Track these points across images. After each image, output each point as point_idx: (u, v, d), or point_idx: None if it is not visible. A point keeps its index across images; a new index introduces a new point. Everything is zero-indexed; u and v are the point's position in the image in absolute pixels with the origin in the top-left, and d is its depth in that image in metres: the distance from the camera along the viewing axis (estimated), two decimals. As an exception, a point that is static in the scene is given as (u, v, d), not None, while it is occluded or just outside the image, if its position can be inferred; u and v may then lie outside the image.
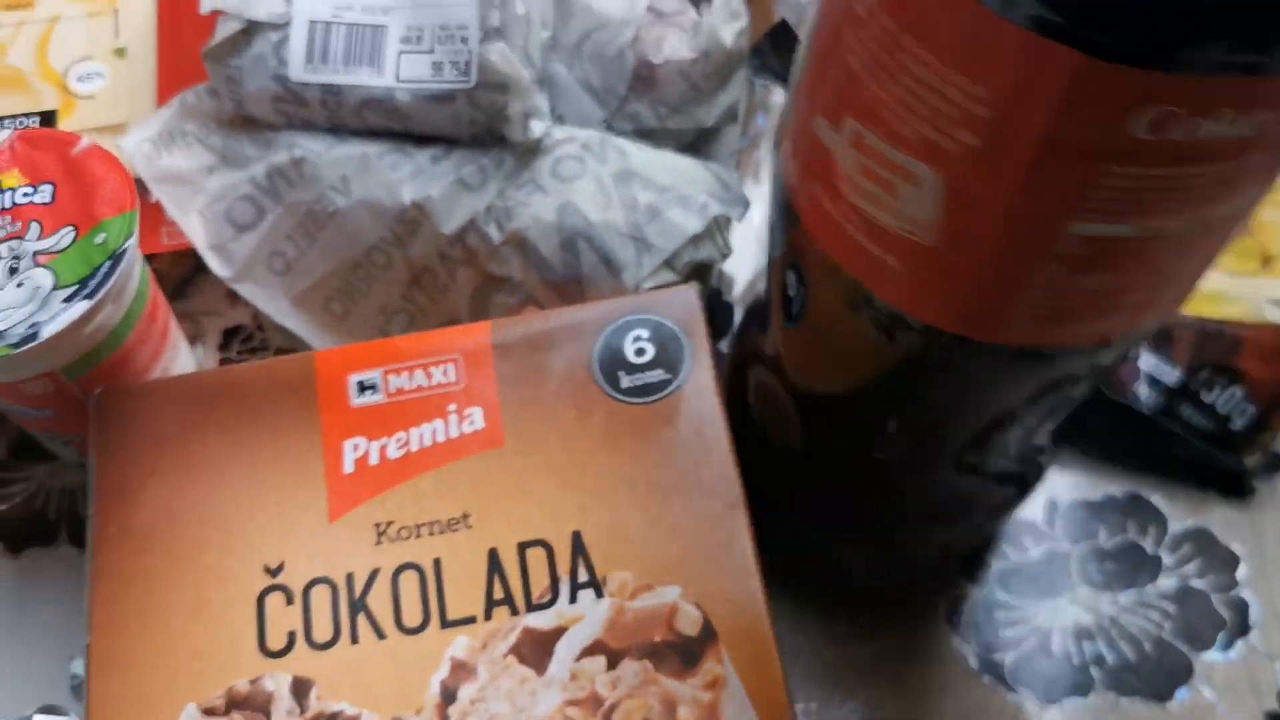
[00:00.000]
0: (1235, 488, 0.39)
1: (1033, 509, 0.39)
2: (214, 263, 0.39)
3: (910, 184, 0.22)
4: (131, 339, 0.33)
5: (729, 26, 0.40)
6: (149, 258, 0.41)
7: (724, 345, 0.43)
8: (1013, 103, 0.19)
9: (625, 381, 0.31)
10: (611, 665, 0.28)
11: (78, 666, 0.36)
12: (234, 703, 0.27)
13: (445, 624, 0.28)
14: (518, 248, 0.38)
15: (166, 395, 0.31)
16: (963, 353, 0.25)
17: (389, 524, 0.29)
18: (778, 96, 0.48)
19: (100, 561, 0.29)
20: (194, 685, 0.27)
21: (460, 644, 0.28)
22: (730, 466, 0.30)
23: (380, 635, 0.28)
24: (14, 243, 0.31)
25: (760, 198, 0.46)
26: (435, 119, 0.38)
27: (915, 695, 0.36)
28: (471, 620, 0.28)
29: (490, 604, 0.28)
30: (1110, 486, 0.40)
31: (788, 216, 0.27)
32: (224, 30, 0.38)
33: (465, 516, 0.29)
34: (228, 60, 0.38)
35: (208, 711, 0.27)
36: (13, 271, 0.31)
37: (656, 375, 0.31)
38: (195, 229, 0.39)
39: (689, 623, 0.28)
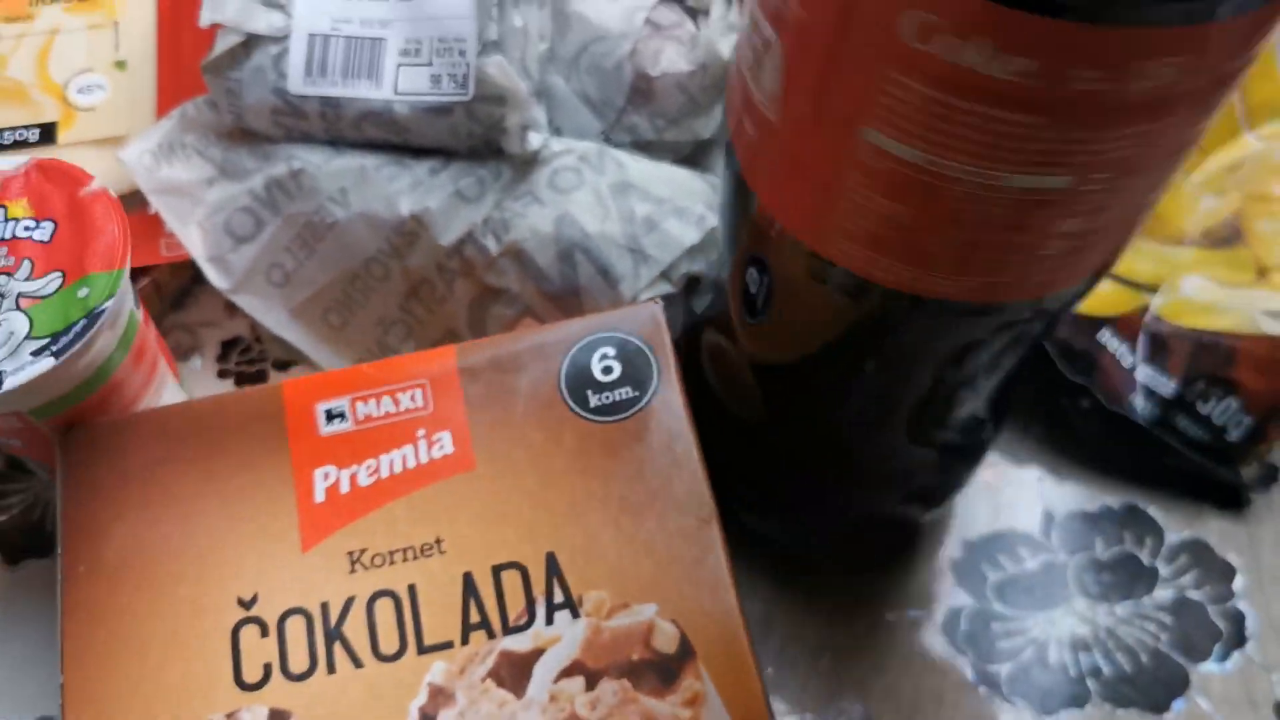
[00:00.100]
0: (1231, 499, 0.40)
1: (1029, 520, 0.39)
2: (213, 274, 0.40)
3: (769, 55, 0.23)
4: (110, 384, 0.33)
5: (726, 39, 0.41)
6: (146, 270, 0.41)
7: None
8: None
9: (593, 400, 0.31)
10: (590, 685, 0.28)
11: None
12: (211, 736, 0.27)
13: (422, 650, 0.28)
14: (515, 259, 0.38)
15: (133, 430, 0.31)
16: (914, 311, 0.25)
17: (362, 551, 0.29)
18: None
19: (70, 599, 0.28)
20: (170, 721, 0.27)
21: (438, 669, 0.28)
22: (701, 481, 0.30)
23: (357, 664, 0.28)
24: (2, 279, 0.31)
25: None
26: (433, 131, 0.39)
27: (911, 707, 0.36)
28: (448, 645, 0.28)
29: (467, 628, 0.28)
30: (1107, 498, 0.40)
31: (743, 197, 0.27)
32: (223, 43, 0.38)
33: (439, 541, 0.29)
34: (227, 73, 0.39)
35: (185, 746, 0.27)
36: None
37: (624, 393, 0.31)
38: (194, 240, 0.39)
39: (666, 640, 0.28)
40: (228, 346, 0.43)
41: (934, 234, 0.23)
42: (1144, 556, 0.39)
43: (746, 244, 0.27)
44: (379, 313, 0.40)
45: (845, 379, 0.29)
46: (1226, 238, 0.39)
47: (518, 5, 0.39)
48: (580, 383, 0.31)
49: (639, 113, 0.41)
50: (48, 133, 0.42)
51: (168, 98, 0.42)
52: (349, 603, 0.28)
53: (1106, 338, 0.39)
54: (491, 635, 0.28)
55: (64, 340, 0.30)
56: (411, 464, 0.30)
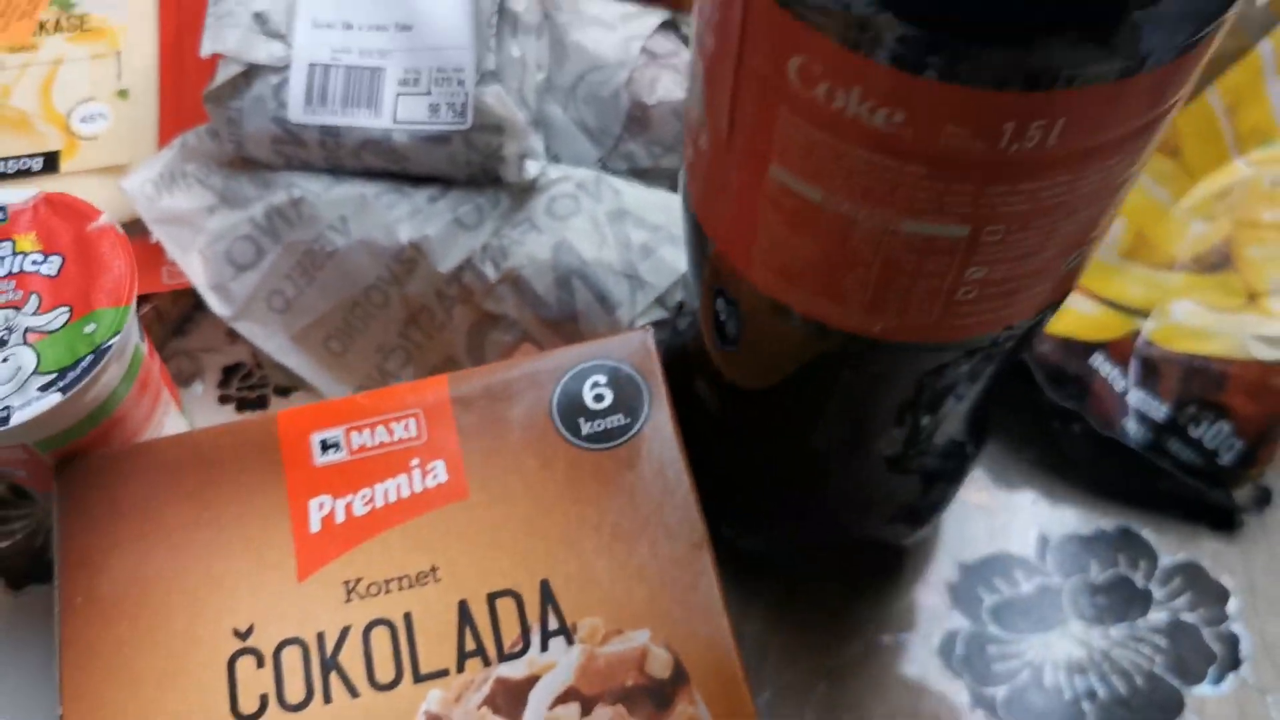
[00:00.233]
0: (1225, 521, 0.40)
1: (1024, 543, 0.40)
2: (214, 302, 0.40)
3: (694, 84, 0.24)
4: (115, 416, 0.33)
5: (721, 68, 0.41)
6: (148, 297, 0.41)
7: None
8: (721, 11, 0.21)
9: (585, 428, 0.31)
10: (585, 712, 0.28)
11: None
12: (209, 768, 0.27)
13: (418, 678, 0.28)
14: (513, 286, 0.39)
15: (129, 462, 0.31)
16: (872, 343, 0.26)
17: (358, 581, 0.29)
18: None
19: (68, 632, 0.29)
20: (168, 753, 0.27)
21: (434, 698, 0.28)
22: (693, 507, 0.30)
23: (353, 693, 0.28)
24: (10, 312, 0.31)
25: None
26: (432, 160, 0.39)
27: (908, 730, 0.36)
28: (444, 673, 0.28)
29: (462, 656, 0.29)
30: (1101, 521, 0.40)
31: (697, 227, 0.27)
32: (225, 73, 0.39)
33: (434, 570, 0.30)
34: (228, 102, 0.39)
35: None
36: (1, 344, 0.31)
37: (616, 420, 0.32)
38: (195, 269, 0.40)
39: (660, 665, 0.29)
40: (229, 372, 0.43)
41: (846, 273, 0.23)
42: (1138, 579, 0.39)
43: (708, 276, 0.28)
44: (379, 339, 0.41)
45: (818, 406, 0.29)
46: (1216, 263, 0.39)
47: (515, 35, 0.39)
48: (572, 411, 0.32)
49: (635, 140, 0.41)
50: (50, 162, 0.42)
51: (170, 127, 0.43)
52: (345, 632, 0.29)
53: (1099, 362, 0.39)
54: (487, 663, 0.29)
55: (71, 376, 0.30)
56: (406, 493, 0.31)
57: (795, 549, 0.38)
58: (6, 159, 0.42)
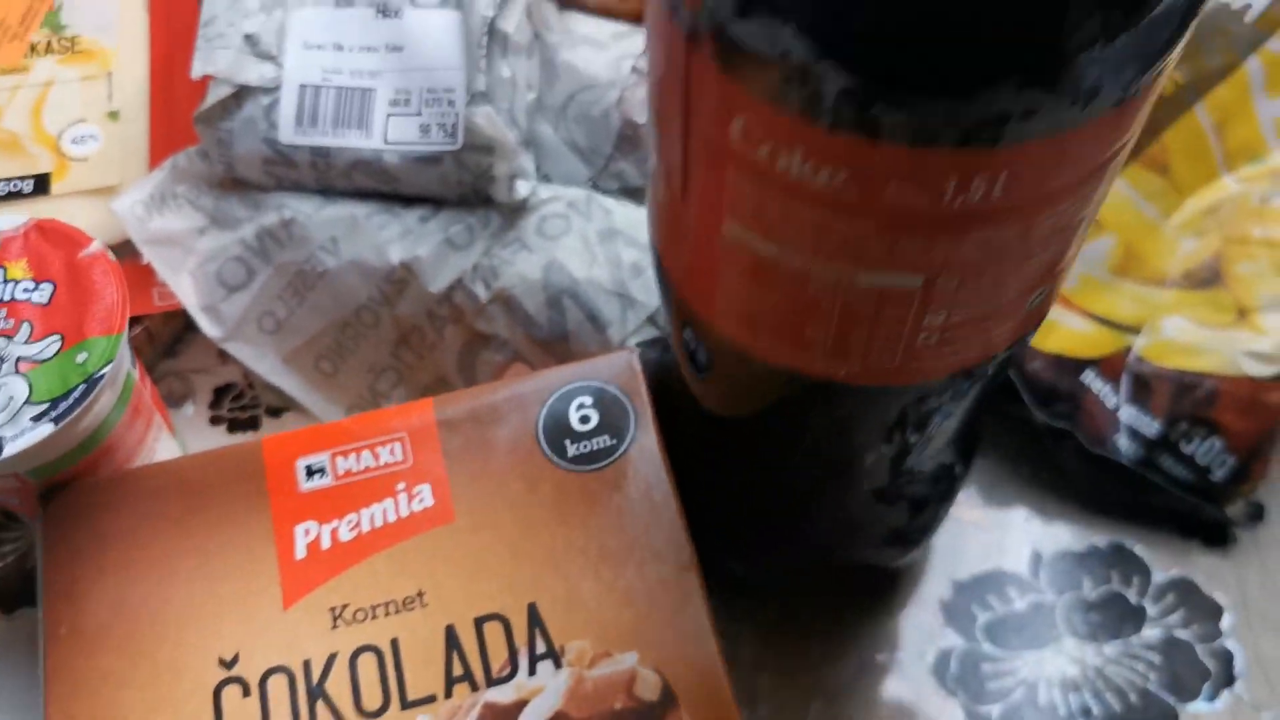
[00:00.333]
0: (1218, 537, 0.40)
1: (1018, 560, 0.40)
2: (205, 323, 0.40)
3: (651, 131, 0.24)
4: (107, 443, 0.33)
5: (711, 87, 0.41)
6: (139, 318, 0.41)
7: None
8: (664, 73, 0.21)
9: (571, 450, 0.31)
10: None
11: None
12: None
13: (406, 705, 0.28)
14: (504, 305, 0.39)
15: (113, 491, 0.31)
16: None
17: (344, 607, 0.29)
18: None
19: (53, 664, 0.28)
20: (154, 783, 0.27)
21: None
22: (680, 529, 0.30)
23: None
24: (1, 341, 0.31)
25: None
26: (423, 180, 0.39)
27: (902, 749, 0.36)
28: (432, 699, 0.28)
29: (450, 681, 0.28)
30: (1094, 537, 0.40)
31: (665, 280, 0.27)
32: (215, 94, 0.39)
33: (420, 595, 0.29)
34: (219, 123, 0.39)
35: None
36: None
37: (602, 441, 0.31)
38: (186, 290, 0.40)
39: (648, 688, 0.29)
40: (220, 393, 0.43)
41: (806, 321, 0.23)
42: (1131, 596, 0.39)
43: (675, 310, 0.28)
44: (370, 360, 0.41)
45: (796, 437, 0.29)
46: (1207, 279, 0.39)
47: (506, 56, 0.39)
48: (558, 433, 0.32)
49: (626, 159, 0.41)
50: (41, 183, 0.42)
51: (160, 148, 0.43)
52: (331, 659, 0.29)
53: (1090, 379, 0.39)
54: (475, 687, 0.28)
55: (63, 406, 0.30)
56: (392, 518, 0.30)
57: (789, 574, 0.38)
58: (-3, 181, 0.42)
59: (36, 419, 0.30)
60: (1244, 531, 0.40)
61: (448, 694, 0.28)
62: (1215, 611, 0.39)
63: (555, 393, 0.32)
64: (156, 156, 0.43)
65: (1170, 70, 0.20)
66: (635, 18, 0.43)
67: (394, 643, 0.29)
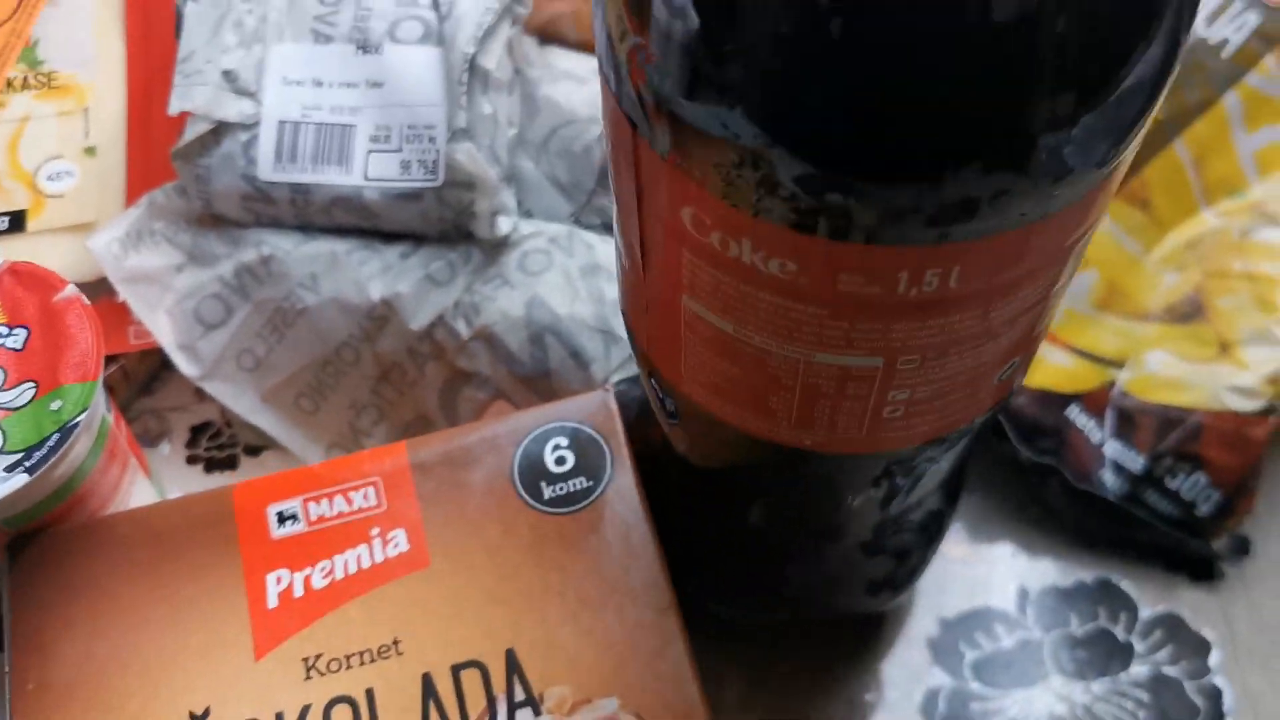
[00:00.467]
0: (1204, 572, 0.40)
1: (1004, 597, 0.39)
2: (182, 362, 0.39)
3: (613, 205, 0.24)
4: (82, 489, 0.32)
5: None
6: (115, 356, 0.41)
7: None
8: (617, 156, 0.21)
9: (547, 492, 0.31)
10: None
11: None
12: None
13: None
14: (486, 342, 0.38)
15: (82, 540, 0.30)
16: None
17: (318, 657, 0.29)
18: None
19: (21, 719, 0.28)
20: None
21: None
22: (659, 571, 0.30)
23: None
24: None
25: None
26: (404, 217, 0.39)
27: (890, 791, 0.36)
28: None
29: None
30: (1080, 572, 0.40)
31: (635, 342, 0.27)
32: (193, 130, 0.39)
33: (396, 642, 0.29)
34: (197, 160, 0.39)
35: None
36: None
37: (578, 483, 0.31)
38: (163, 328, 0.39)
39: None
40: (198, 431, 0.42)
41: (770, 394, 0.23)
42: (1119, 632, 0.39)
43: (643, 365, 0.28)
44: (350, 397, 0.40)
45: (770, 492, 0.29)
46: (1188, 313, 0.39)
47: (486, 92, 0.39)
48: (533, 475, 0.31)
49: (608, 195, 0.41)
50: (17, 221, 0.42)
51: (137, 184, 0.43)
52: (305, 711, 0.28)
53: (1075, 414, 0.39)
54: (454, 736, 0.28)
55: (38, 455, 0.29)
56: (366, 564, 0.30)
57: (774, 618, 0.37)
58: (-29, 218, 0.42)
59: (10, 469, 0.29)
60: (1230, 566, 0.40)
61: (426, 743, 0.28)
62: (1203, 647, 0.38)
63: (530, 434, 0.32)
64: (133, 193, 0.43)
65: (1130, 157, 0.19)
66: (616, 53, 0.43)
67: (369, 693, 0.28)
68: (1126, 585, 0.40)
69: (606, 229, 0.41)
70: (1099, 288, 0.41)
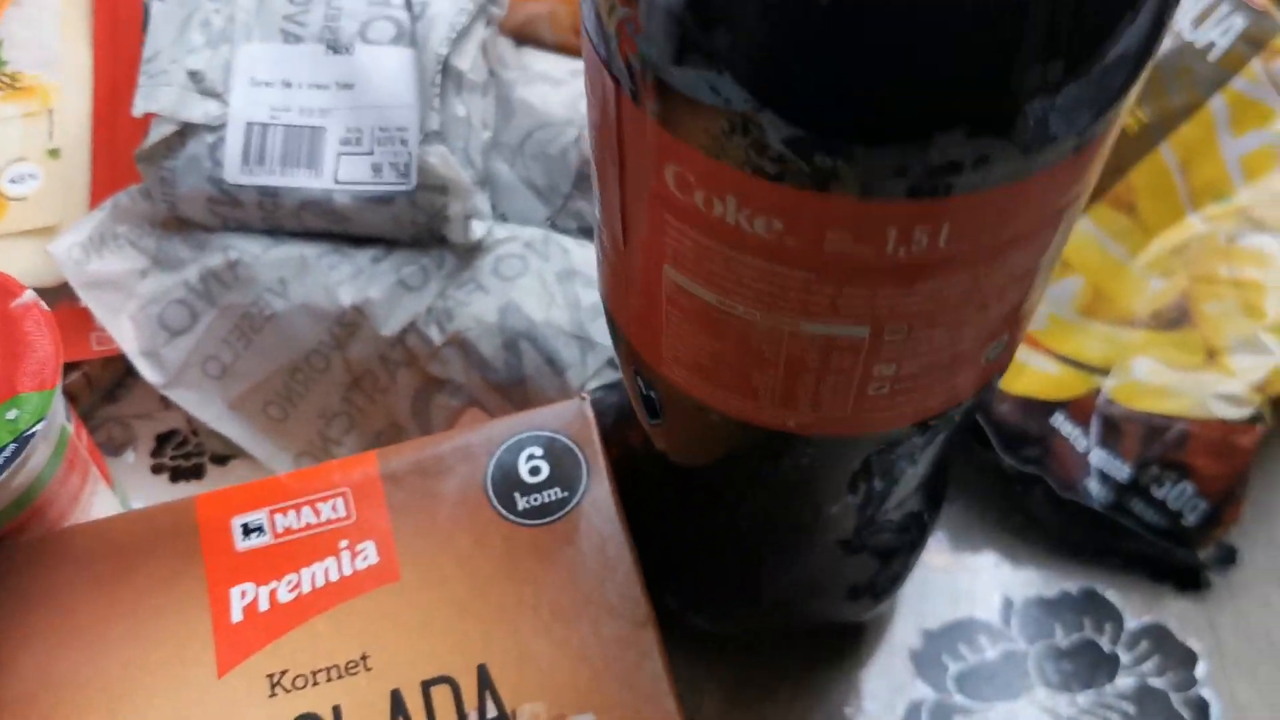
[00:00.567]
0: (1190, 582, 0.39)
1: (988, 607, 0.39)
2: (145, 369, 0.38)
3: (593, 177, 0.23)
4: (40, 500, 0.31)
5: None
6: (77, 363, 0.40)
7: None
8: (600, 121, 0.21)
9: (521, 503, 0.30)
10: None
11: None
12: None
13: None
14: (459, 349, 0.37)
15: (39, 553, 0.29)
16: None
17: (283, 673, 0.28)
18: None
19: None
20: None
21: None
22: (635, 584, 0.29)
23: None
24: None
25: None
26: (375, 220, 0.38)
27: (873, 808, 0.35)
28: None
29: None
30: (1065, 583, 0.39)
31: (615, 329, 0.26)
32: (158, 132, 0.38)
33: (364, 658, 0.28)
34: (161, 162, 0.38)
35: None
36: None
37: (553, 494, 0.30)
38: (126, 334, 0.38)
39: None
40: (163, 440, 0.41)
41: (753, 370, 0.22)
42: (1104, 643, 0.38)
43: (626, 358, 0.27)
44: (320, 405, 0.39)
45: (757, 487, 0.28)
46: (1175, 319, 0.39)
47: (460, 93, 0.38)
48: (507, 485, 0.30)
49: (585, 198, 0.40)
50: (-23, 223, 0.41)
51: (102, 187, 0.42)
52: None
53: (1060, 421, 0.39)
54: (425, 755, 0.27)
55: None
56: (334, 577, 0.29)
57: (756, 629, 0.36)
58: (-69, 221, 0.41)
59: None
60: (1217, 575, 0.39)
61: (394, 764, 0.27)
62: (1189, 658, 0.38)
63: (504, 443, 0.31)
64: (98, 196, 0.42)
65: (1121, 119, 0.19)
66: (594, 54, 0.43)
67: (336, 710, 0.27)
68: (1112, 595, 0.39)
69: (583, 233, 0.40)
70: (1084, 293, 0.40)
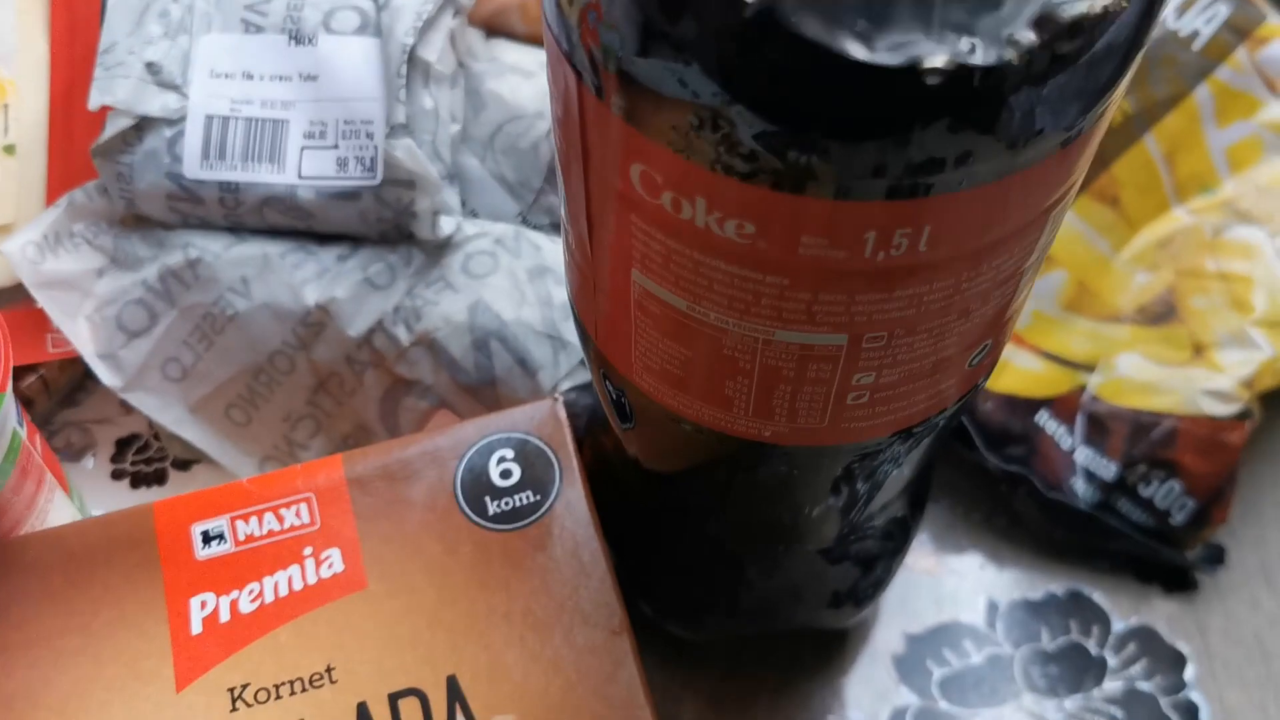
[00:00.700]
0: (1178, 582, 0.38)
1: (973, 610, 0.38)
2: (103, 372, 0.37)
3: (559, 177, 0.22)
4: None
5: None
6: (33, 366, 0.38)
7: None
8: (563, 117, 0.19)
9: (492, 508, 0.29)
10: None
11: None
12: None
13: None
14: (428, 349, 0.36)
15: None
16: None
17: (244, 687, 0.27)
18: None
19: None
20: None
21: None
22: (610, 590, 0.28)
23: None
24: None
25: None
26: (340, 217, 0.37)
27: (856, 819, 0.34)
28: None
29: None
30: (1051, 584, 0.38)
31: (584, 334, 0.25)
32: (114, 126, 0.36)
33: (329, 670, 0.27)
34: (118, 157, 0.36)
35: None
36: None
37: (525, 498, 0.29)
38: (83, 336, 0.37)
39: None
40: (123, 445, 0.40)
41: (726, 379, 0.21)
42: (1091, 646, 0.37)
43: (596, 363, 0.26)
44: (285, 408, 0.38)
45: (730, 493, 0.27)
46: (1161, 314, 0.38)
47: (428, 85, 0.37)
48: (478, 489, 0.29)
49: (557, 193, 0.39)
50: (-71, 223, 0.39)
51: (59, 184, 0.40)
52: None
53: (1044, 420, 0.38)
54: (391, 774, 0.26)
55: None
56: (299, 585, 0.28)
57: (736, 635, 0.35)
58: (-120, 220, 0.39)
59: None
60: (1205, 576, 0.38)
61: (358, 782, 0.26)
62: (1178, 661, 0.37)
63: (473, 446, 0.30)
64: (54, 193, 0.40)
65: (1111, 112, 0.18)
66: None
67: None
68: (1098, 597, 0.38)
69: (555, 229, 0.39)
70: (1068, 288, 0.39)
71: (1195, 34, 0.39)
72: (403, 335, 0.36)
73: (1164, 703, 0.36)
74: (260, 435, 0.39)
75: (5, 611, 0.27)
